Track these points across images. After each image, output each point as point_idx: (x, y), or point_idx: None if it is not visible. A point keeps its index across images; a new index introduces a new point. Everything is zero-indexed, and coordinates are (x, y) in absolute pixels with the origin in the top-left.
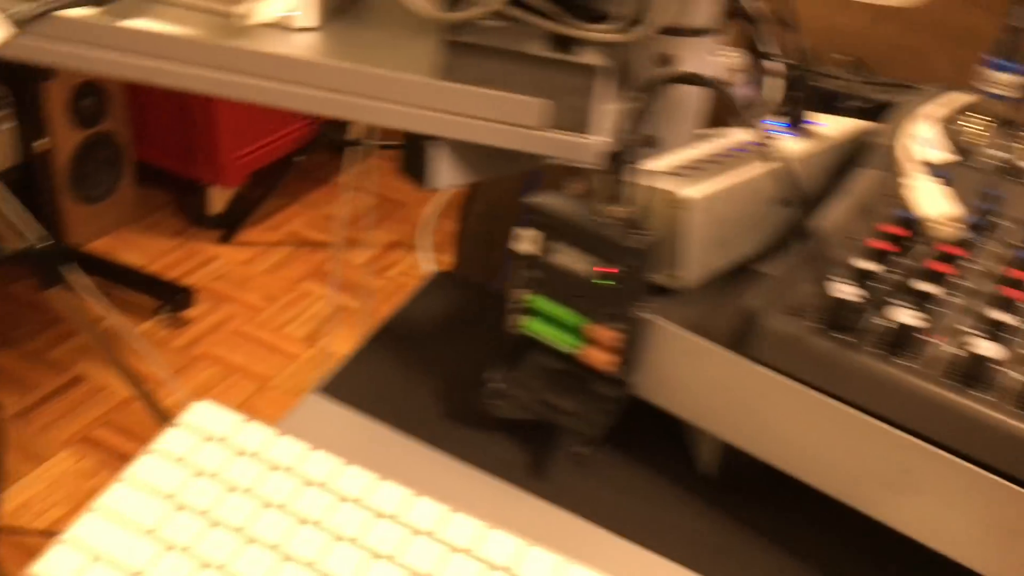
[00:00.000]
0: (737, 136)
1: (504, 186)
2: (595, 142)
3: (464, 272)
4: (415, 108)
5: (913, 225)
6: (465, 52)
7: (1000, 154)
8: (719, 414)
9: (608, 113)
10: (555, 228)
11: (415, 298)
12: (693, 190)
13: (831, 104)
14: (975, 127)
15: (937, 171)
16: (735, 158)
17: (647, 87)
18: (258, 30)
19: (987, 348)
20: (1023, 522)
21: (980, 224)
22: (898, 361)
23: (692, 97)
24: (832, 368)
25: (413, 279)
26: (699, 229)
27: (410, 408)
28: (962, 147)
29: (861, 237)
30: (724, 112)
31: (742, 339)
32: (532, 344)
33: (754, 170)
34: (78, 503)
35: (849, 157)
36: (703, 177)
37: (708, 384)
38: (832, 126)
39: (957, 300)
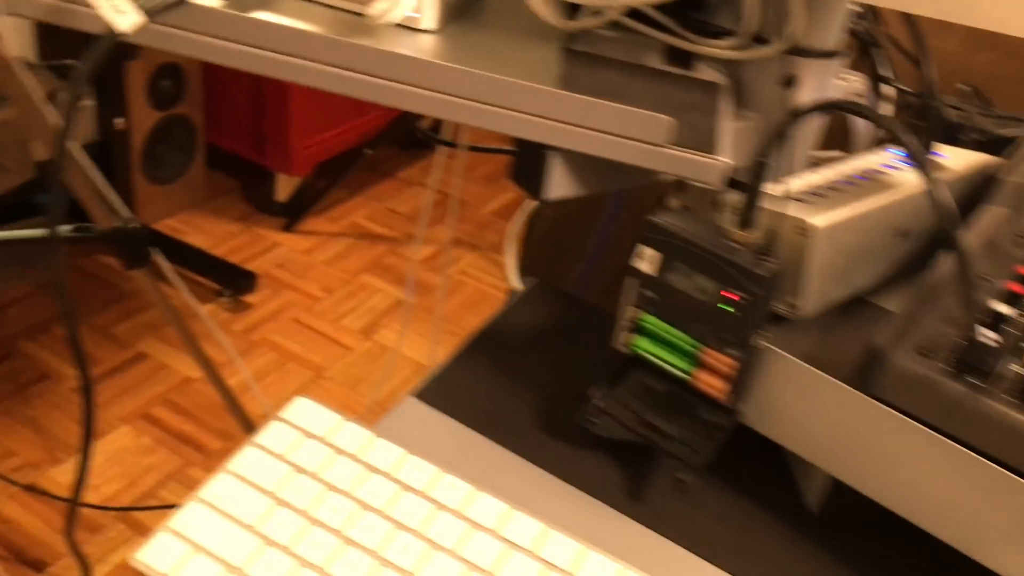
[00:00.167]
0: (858, 163)
1: None
2: (721, 163)
3: (530, 273)
4: (539, 117)
5: None
6: (585, 62)
7: None
8: (832, 450)
9: (730, 132)
10: (676, 249)
11: (511, 306)
12: (820, 218)
13: (953, 136)
14: None
15: None
16: (857, 186)
17: (797, 113)
18: (381, 30)
19: None
20: None
21: None
22: None
23: (813, 121)
24: (962, 413)
25: (472, 278)
26: (823, 258)
27: (504, 418)
28: None
29: (992, 277)
30: (835, 137)
31: (864, 375)
32: (635, 363)
33: (878, 199)
34: (133, 480)
35: (972, 192)
36: (827, 204)
37: (824, 418)
38: (954, 158)
39: None
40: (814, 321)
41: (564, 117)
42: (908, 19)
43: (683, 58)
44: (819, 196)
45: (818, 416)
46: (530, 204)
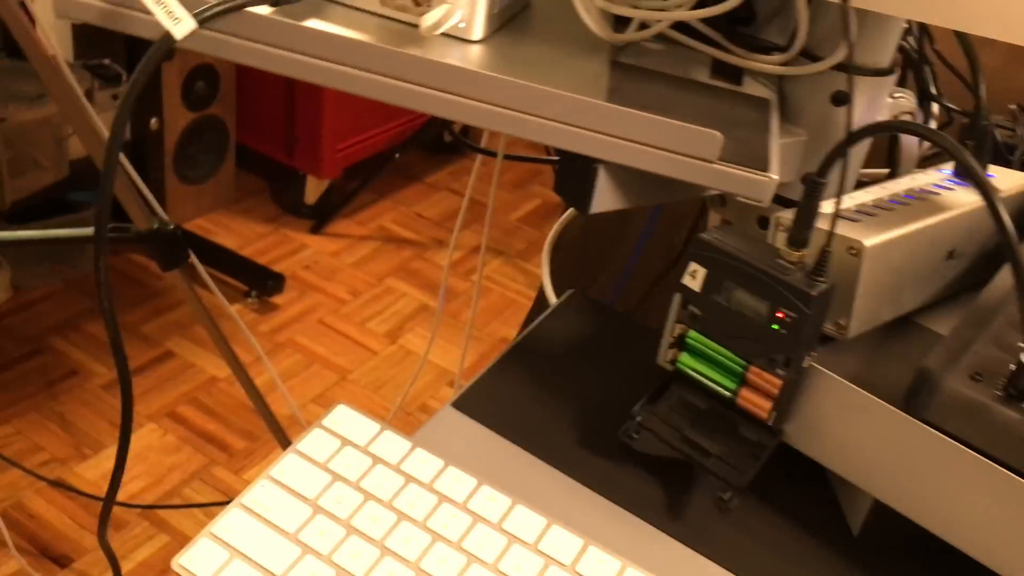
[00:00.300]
0: (906, 182)
1: None
2: (772, 180)
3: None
4: (589, 131)
5: None
6: (633, 75)
7: None
8: (878, 472)
9: (779, 149)
10: (725, 266)
11: (547, 317)
12: (870, 237)
13: (1004, 156)
14: None
15: None
16: (906, 205)
17: (859, 133)
18: (429, 40)
19: None
20: None
21: None
22: None
23: (864, 140)
24: (1014, 439)
25: (497, 284)
26: (872, 278)
27: (542, 430)
28: None
29: None
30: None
31: (913, 398)
32: (676, 378)
33: (928, 219)
34: (158, 478)
35: (1020, 213)
36: (877, 223)
37: (870, 441)
38: (1002, 178)
39: None
40: (860, 341)
41: (614, 131)
42: (960, 37)
43: (731, 73)
44: (868, 215)
45: (864, 438)
46: (564, 215)
